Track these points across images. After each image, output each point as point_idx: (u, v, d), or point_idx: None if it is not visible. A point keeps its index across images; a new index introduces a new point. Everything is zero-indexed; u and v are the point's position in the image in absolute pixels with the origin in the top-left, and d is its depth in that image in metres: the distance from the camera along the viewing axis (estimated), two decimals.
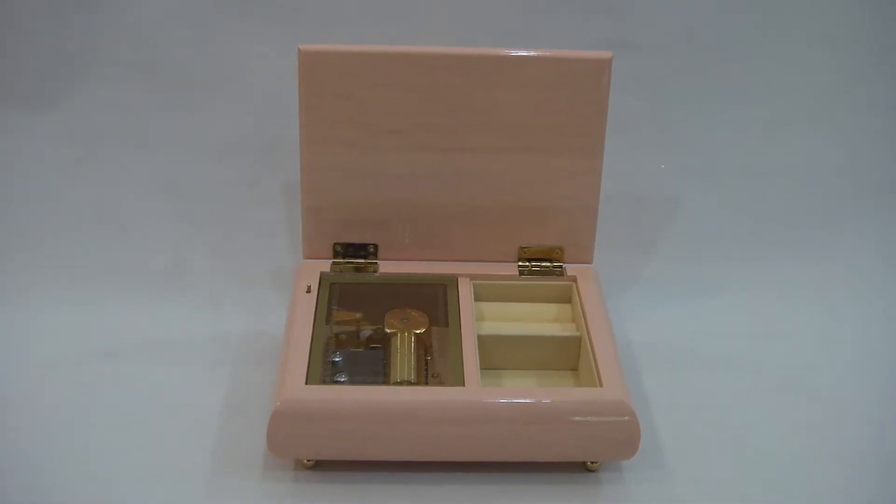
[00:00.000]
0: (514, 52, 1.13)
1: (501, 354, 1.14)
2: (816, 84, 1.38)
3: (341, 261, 1.20)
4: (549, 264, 1.20)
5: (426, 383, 1.07)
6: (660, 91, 1.37)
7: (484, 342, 1.12)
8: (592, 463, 1.05)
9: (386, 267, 1.20)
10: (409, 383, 1.06)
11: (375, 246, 1.20)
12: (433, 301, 1.17)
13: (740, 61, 1.37)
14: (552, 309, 1.20)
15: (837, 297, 1.32)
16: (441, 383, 1.07)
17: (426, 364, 1.10)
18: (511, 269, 1.20)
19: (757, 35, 1.36)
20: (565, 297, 1.20)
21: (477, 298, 1.18)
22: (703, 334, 1.26)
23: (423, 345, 1.11)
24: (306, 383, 1.03)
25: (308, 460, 1.04)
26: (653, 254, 1.35)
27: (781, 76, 1.38)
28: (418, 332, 1.12)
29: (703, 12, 1.35)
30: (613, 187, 1.24)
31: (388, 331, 1.12)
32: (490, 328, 1.15)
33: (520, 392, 1.06)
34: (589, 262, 1.21)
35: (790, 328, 1.27)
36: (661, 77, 1.37)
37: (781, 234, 1.37)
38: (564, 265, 1.21)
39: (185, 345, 1.21)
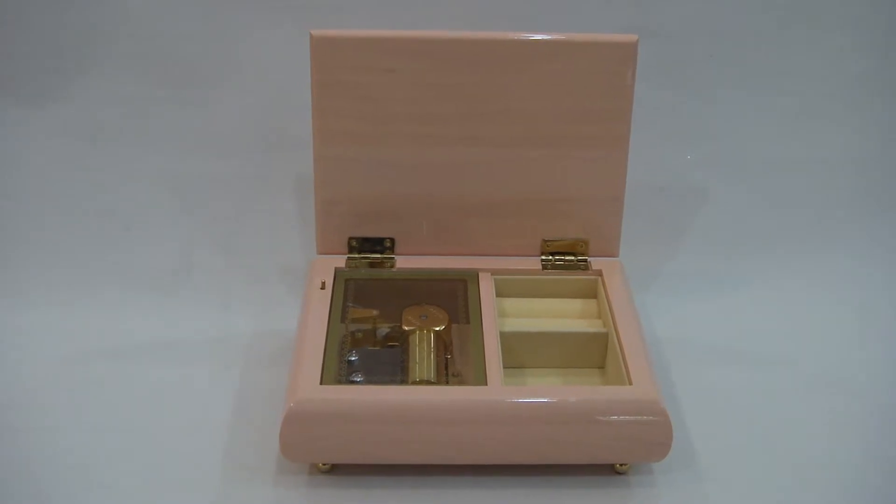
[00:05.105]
0: (534, 37, 1.11)
1: (525, 352, 1.11)
2: (846, 72, 1.37)
3: (357, 256, 1.18)
4: (573, 258, 1.18)
5: (447, 383, 1.05)
6: (685, 80, 1.35)
7: (507, 339, 1.09)
8: (622, 465, 1.03)
9: (403, 262, 1.18)
10: (429, 383, 1.04)
11: (392, 240, 1.18)
12: (453, 297, 1.14)
13: (768, 49, 1.35)
14: (577, 304, 1.17)
15: (869, 290, 1.31)
16: (462, 383, 1.05)
17: (446, 363, 1.07)
18: (534, 263, 1.18)
19: (785, 22, 1.35)
20: (591, 292, 1.18)
21: (498, 294, 1.16)
22: (732, 330, 1.25)
23: (442, 343, 1.09)
24: (321, 383, 1.01)
25: (323, 464, 1.02)
26: (679, 247, 1.34)
27: (810, 64, 1.36)
28: (438, 329, 1.10)
29: None
30: (638, 178, 1.22)
31: (406, 328, 1.10)
32: (513, 325, 1.12)
33: (545, 391, 1.03)
34: (615, 255, 1.19)
35: (821, 323, 1.26)
36: (686, 65, 1.35)
37: (811, 226, 1.36)
38: (589, 259, 1.18)
39: (194, 345, 1.20)
